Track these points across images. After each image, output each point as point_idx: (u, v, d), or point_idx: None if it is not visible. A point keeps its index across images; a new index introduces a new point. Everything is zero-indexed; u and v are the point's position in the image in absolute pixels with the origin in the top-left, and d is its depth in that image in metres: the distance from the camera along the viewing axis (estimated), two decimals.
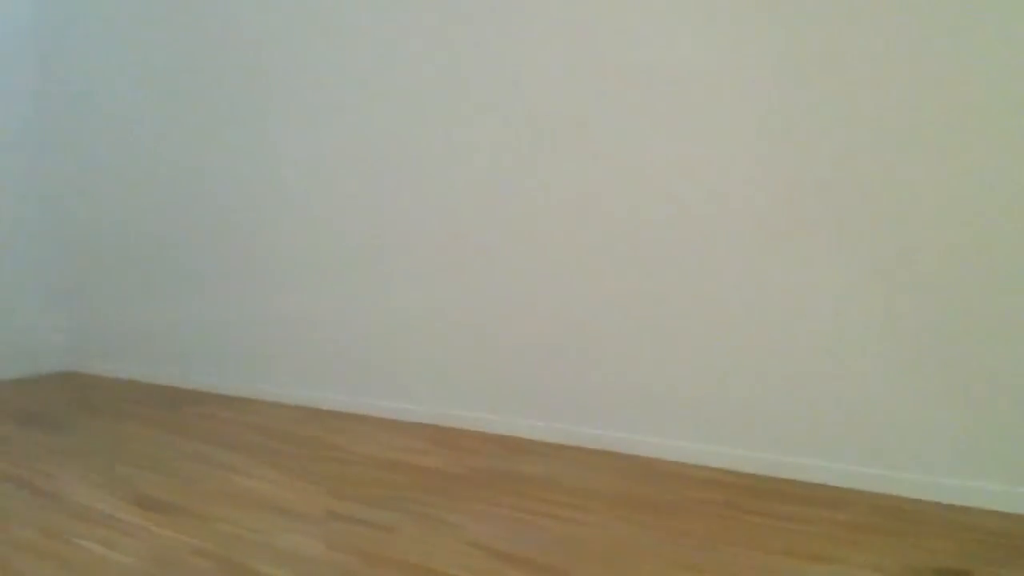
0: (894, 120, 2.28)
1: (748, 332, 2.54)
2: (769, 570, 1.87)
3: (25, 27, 4.59)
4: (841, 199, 2.38)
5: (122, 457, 2.94)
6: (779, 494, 2.36)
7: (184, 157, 4.07)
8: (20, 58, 4.56)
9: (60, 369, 4.75)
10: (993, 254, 2.17)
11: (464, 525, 2.18)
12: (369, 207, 3.40)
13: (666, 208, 2.67)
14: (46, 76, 4.62)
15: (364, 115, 3.38)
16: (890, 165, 2.29)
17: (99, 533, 2.19)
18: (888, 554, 1.93)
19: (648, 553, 1.97)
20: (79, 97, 4.54)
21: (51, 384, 4.47)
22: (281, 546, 2.07)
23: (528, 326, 3.02)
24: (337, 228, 3.52)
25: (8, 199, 4.52)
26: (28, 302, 4.63)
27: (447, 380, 3.26)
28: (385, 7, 3.30)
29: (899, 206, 2.29)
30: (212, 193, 3.98)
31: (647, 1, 2.67)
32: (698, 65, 2.58)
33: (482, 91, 3.06)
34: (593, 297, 2.86)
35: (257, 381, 3.88)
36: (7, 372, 4.51)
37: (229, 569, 1.93)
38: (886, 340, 2.33)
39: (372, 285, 3.43)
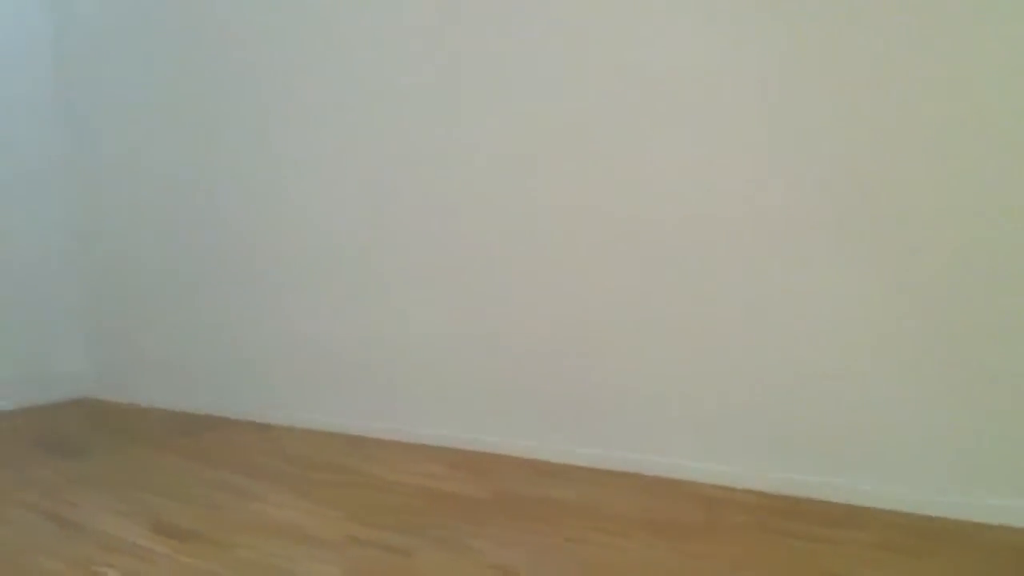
0: (894, 120, 2.28)
1: (788, 352, 2.54)
2: None
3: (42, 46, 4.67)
4: (841, 199, 2.37)
5: (143, 484, 2.96)
6: (806, 515, 2.33)
7: (201, 180, 4.10)
8: (36, 98, 4.64)
9: (78, 396, 4.78)
10: (993, 254, 2.16)
11: (486, 550, 2.18)
12: (390, 224, 3.42)
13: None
14: (57, 103, 4.69)
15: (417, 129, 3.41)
16: (890, 165, 2.29)
17: (123, 562, 2.20)
18: (916, 573, 1.92)
19: None
20: (89, 128, 4.60)
21: (69, 411, 4.50)
22: (302, 572, 2.08)
23: (546, 343, 3.00)
24: (347, 248, 3.54)
25: (26, 227, 4.58)
26: (46, 329, 4.68)
27: (467, 403, 3.25)
28: (385, 7, 3.31)
29: (899, 206, 2.28)
30: (227, 218, 4.01)
31: (647, 1, 2.68)
32: (698, 65, 2.59)
33: (482, 92, 3.08)
34: (629, 317, 2.79)
35: (274, 407, 3.89)
36: (26, 399, 4.55)
37: None
38: (896, 348, 2.32)
39: (389, 309, 3.44)
